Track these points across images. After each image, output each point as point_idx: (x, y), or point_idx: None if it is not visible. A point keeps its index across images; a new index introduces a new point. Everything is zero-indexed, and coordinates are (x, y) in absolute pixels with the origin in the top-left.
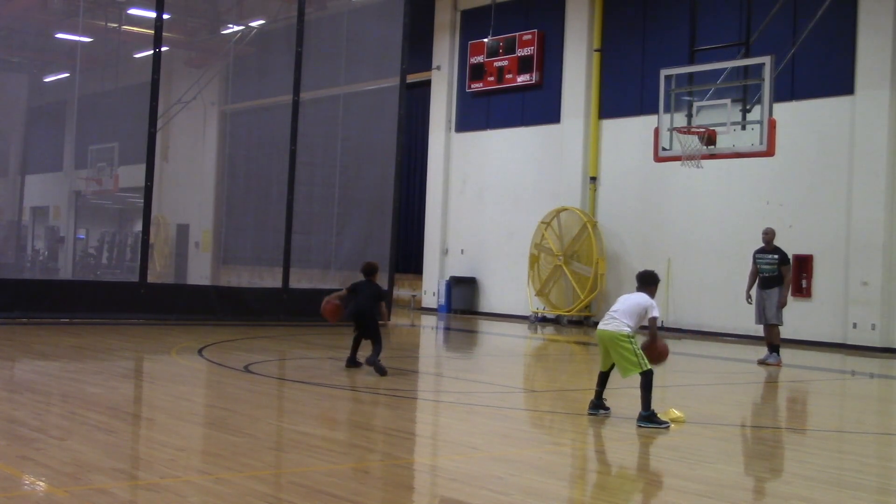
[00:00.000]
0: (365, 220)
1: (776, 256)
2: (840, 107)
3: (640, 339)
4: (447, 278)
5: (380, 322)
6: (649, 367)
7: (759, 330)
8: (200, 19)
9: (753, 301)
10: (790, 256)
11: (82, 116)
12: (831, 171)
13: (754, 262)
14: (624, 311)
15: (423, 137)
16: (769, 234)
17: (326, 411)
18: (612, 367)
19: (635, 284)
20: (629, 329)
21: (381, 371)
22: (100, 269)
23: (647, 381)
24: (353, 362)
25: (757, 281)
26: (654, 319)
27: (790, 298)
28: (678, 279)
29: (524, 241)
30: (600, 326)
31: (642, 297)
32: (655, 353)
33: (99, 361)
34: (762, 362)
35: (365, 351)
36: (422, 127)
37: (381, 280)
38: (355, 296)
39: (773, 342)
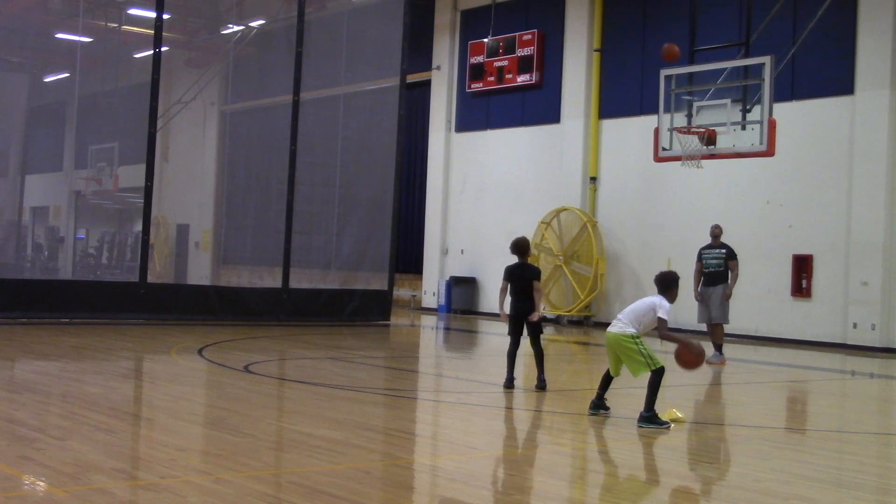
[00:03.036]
0: (365, 220)
1: (723, 251)
2: (840, 107)
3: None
4: (447, 278)
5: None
6: (660, 364)
7: (759, 329)
8: (200, 19)
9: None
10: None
11: (82, 116)
12: (831, 171)
13: (699, 260)
14: (628, 311)
15: (423, 137)
16: (717, 230)
17: (326, 411)
18: (619, 371)
19: (634, 284)
20: (633, 330)
21: (543, 386)
22: (100, 269)
23: (656, 379)
24: (511, 383)
25: (702, 279)
26: (661, 321)
27: (789, 299)
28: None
29: None
30: (608, 330)
31: (650, 298)
32: (683, 360)
33: (99, 361)
34: (708, 362)
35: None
36: (422, 127)
37: (382, 278)
38: (514, 286)
39: (717, 341)
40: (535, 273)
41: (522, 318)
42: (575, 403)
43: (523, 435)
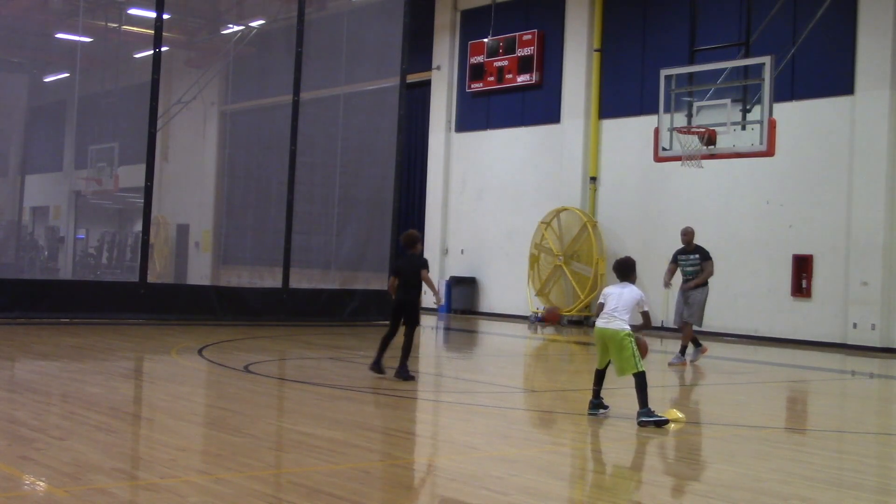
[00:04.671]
0: (365, 220)
1: (698, 256)
2: (840, 107)
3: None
4: (447, 278)
5: (435, 302)
6: (643, 368)
7: (759, 329)
8: (200, 19)
9: (675, 302)
10: (711, 253)
11: (82, 116)
12: (831, 171)
13: (675, 262)
14: (623, 308)
15: (423, 137)
16: (688, 234)
17: (326, 411)
18: (608, 364)
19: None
20: (629, 327)
21: (409, 377)
22: (100, 269)
23: (640, 382)
24: (378, 367)
25: (680, 282)
26: (647, 314)
27: (789, 299)
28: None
29: (524, 241)
30: (600, 325)
31: (635, 291)
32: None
33: (99, 361)
34: (669, 364)
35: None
36: (422, 127)
37: (382, 278)
38: (401, 278)
39: (684, 342)
40: (421, 263)
41: (403, 308)
42: (575, 403)
43: (523, 435)
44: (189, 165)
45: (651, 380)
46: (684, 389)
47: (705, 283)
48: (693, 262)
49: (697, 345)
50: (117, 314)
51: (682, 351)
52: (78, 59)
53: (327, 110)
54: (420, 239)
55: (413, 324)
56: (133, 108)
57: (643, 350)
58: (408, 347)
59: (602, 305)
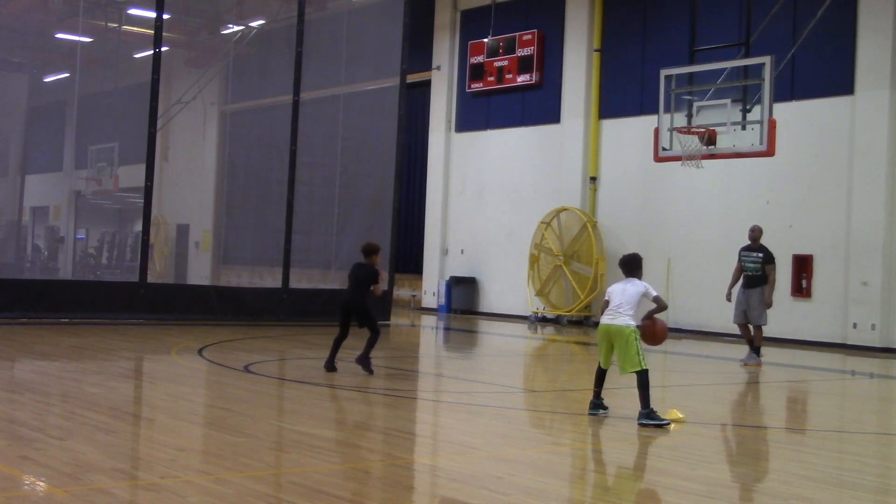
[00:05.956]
0: (365, 220)
1: (760, 255)
2: (840, 107)
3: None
4: (447, 278)
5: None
6: (646, 366)
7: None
8: (200, 19)
9: (734, 299)
10: (775, 256)
11: (82, 116)
12: (831, 171)
13: (739, 260)
14: (627, 303)
15: (423, 137)
16: (756, 232)
17: (326, 411)
18: (611, 364)
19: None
20: (634, 323)
21: (369, 370)
22: (100, 269)
23: (643, 380)
24: (331, 365)
25: (741, 280)
26: (658, 297)
27: (789, 299)
28: (678, 279)
29: (524, 241)
30: (605, 321)
31: (638, 284)
32: (654, 331)
33: (99, 361)
34: (744, 363)
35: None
36: (422, 127)
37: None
38: (350, 282)
39: (756, 343)
40: (370, 274)
41: (349, 310)
42: (575, 403)
43: (523, 435)
44: (189, 165)
45: (659, 379)
46: (685, 389)
47: (765, 283)
48: (754, 259)
49: (756, 351)
50: (117, 314)
51: (757, 351)
52: (78, 59)
53: (327, 110)
54: (378, 250)
55: (367, 325)
56: (133, 108)
57: (661, 333)
58: (372, 341)
59: (607, 303)
